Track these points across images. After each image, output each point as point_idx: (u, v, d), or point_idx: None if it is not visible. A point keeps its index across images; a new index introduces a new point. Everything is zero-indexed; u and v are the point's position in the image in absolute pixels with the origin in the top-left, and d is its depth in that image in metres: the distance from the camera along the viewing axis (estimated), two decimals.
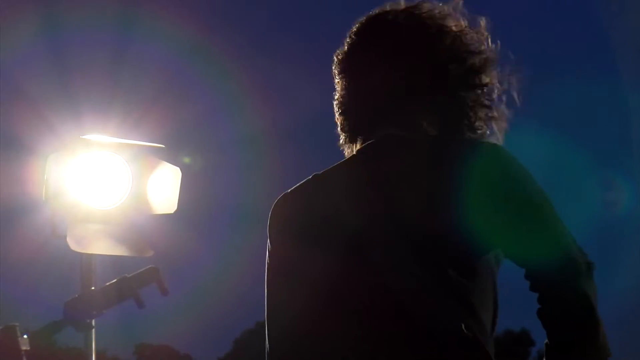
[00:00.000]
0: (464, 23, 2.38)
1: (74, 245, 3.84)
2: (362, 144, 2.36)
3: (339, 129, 2.41)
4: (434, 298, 2.13)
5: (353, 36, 2.41)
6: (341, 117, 2.40)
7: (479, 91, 2.35)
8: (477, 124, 2.35)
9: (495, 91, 2.37)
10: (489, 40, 2.39)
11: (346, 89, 2.38)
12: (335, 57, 2.43)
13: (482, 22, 2.40)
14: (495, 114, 2.37)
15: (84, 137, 3.96)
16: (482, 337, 2.14)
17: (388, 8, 2.41)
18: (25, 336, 3.64)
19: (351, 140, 2.40)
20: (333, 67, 2.43)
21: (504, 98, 2.39)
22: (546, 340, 2.17)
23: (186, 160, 4.28)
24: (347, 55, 2.40)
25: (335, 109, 2.41)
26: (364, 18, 2.42)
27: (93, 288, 3.95)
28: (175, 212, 4.05)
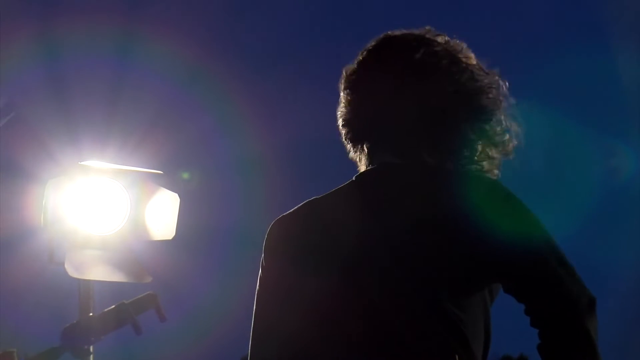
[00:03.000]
0: (476, 61, 2.38)
1: (72, 272, 3.84)
2: (365, 166, 2.37)
3: (344, 139, 2.41)
4: (426, 327, 2.13)
5: (366, 54, 2.40)
6: (345, 129, 2.39)
7: (483, 126, 2.35)
8: (477, 159, 2.35)
9: (500, 129, 2.37)
10: (500, 82, 2.39)
11: (351, 105, 2.37)
12: (344, 72, 2.42)
13: (496, 71, 2.40)
14: (496, 152, 2.38)
15: (82, 163, 3.97)
16: None
17: (404, 33, 2.40)
18: None
19: (357, 153, 2.40)
20: (341, 80, 2.42)
21: (507, 136, 2.39)
22: None
23: (185, 175, 4.29)
24: (356, 71, 2.39)
25: (340, 121, 2.40)
26: (379, 38, 2.41)
27: (91, 314, 3.95)
28: (174, 238, 4.05)
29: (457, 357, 2.11)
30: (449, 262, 2.16)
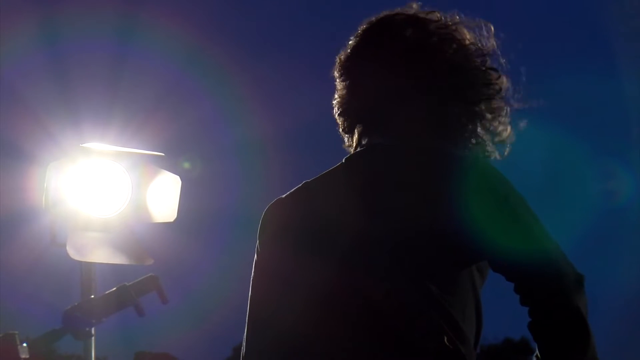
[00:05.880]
0: (473, 36, 2.36)
1: (73, 254, 3.85)
2: (354, 149, 2.36)
3: (340, 129, 2.40)
4: (416, 311, 2.14)
5: (357, 38, 2.39)
6: (340, 118, 2.39)
7: (477, 107, 2.32)
8: (470, 138, 2.33)
9: (495, 107, 2.35)
10: (498, 56, 2.37)
11: (344, 90, 2.36)
12: (337, 58, 2.41)
13: (492, 37, 2.38)
14: (492, 129, 2.36)
15: (83, 145, 3.97)
16: (464, 349, 2.15)
17: (397, 12, 2.38)
18: (24, 344, 3.64)
19: (352, 141, 2.39)
20: (335, 67, 2.41)
21: (504, 114, 2.37)
22: (536, 353, 2.17)
23: (186, 165, 4.29)
24: (349, 56, 2.38)
25: (335, 109, 2.39)
26: (371, 20, 2.40)
27: (93, 296, 3.96)
28: (175, 220, 4.05)
29: (445, 339, 2.12)
30: (436, 250, 2.16)
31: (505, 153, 2.39)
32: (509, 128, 2.37)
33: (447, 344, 2.12)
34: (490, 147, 2.36)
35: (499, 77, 2.35)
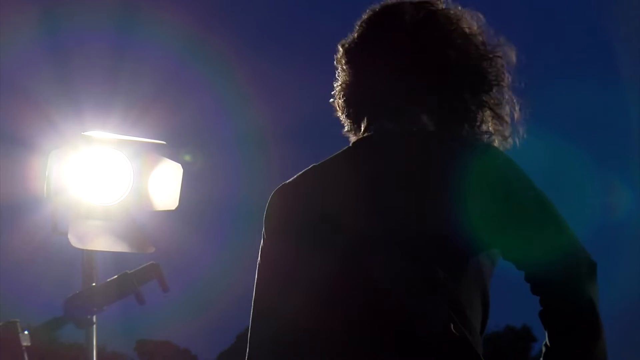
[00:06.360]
0: (477, 26, 2.37)
1: (75, 242, 3.85)
2: (361, 134, 2.36)
3: (342, 115, 2.39)
4: (423, 300, 2.14)
5: (364, 25, 2.39)
6: (344, 105, 2.38)
7: (484, 95, 2.33)
8: (479, 126, 2.33)
9: (502, 97, 2.35)
10: (501, 46, 2.37)
11: (350, 77, 2.36)
12: (341, 46, 2.40)
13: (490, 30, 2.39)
14: (499, 118, 2.36)
15: (85, 133, 3.97)
16: (471, 337, 2.15)
17: (402, 1, 2.38)
18: (26, 332, 3.65)
19: (355, 128, 2.39)
20: (338, 55, 2.41)
21: (511, 104, 2.37)
22: (545, 341, 2.17)
23: (187, 158, 4.29)
24: (355, 44, 2.38)
25: (338, 96, 2.39)
26: (377, 7, 2.40)
27: (94, 284, 3.96)
28: (177, 208, 4.05)
29: (452, 326, 2.12)
30: (438, 247, 2.16)
31: (517, 141, 2.39)
32: (517, 115, 2.37)
33: (454, 331, 2.11)
34: (499, 136, 2.36)
35: (504, 65, 2.35)
